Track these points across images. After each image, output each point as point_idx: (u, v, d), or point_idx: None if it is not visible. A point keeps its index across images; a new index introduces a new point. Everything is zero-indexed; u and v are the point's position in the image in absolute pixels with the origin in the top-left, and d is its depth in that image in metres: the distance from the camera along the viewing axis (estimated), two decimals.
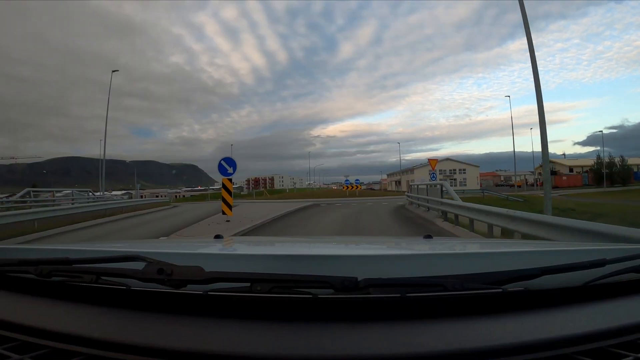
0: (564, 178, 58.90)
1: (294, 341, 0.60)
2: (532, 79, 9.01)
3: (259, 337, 0.61)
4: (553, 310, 0.68)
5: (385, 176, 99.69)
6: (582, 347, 0.58)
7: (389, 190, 73.36)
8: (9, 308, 0.76)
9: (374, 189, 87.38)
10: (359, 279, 0.66)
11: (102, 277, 0.75)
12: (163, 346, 0.59)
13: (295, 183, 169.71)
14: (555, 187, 46.80)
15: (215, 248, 1.34)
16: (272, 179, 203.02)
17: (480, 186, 73.67)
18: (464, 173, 74.03)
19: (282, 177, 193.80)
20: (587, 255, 0.83)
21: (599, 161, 58.39)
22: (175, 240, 3.26)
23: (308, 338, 0.60)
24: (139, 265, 0.73)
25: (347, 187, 45.93)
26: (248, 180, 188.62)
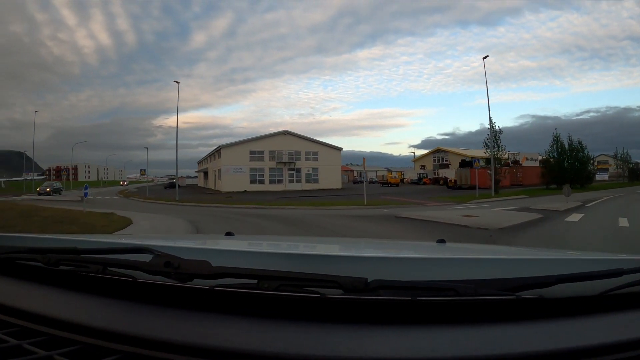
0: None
1: (299, 341, 0.58)
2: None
3: (263, 335, 0.60)
4: (568, 320, 0.66)
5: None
6: (598, 359, 0.56)
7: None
8: (15, 294, 0.76)
9: (178, 185, 52.11)
10: (369, 280, 0.65)
11: (109, 268, 0.75)
12: (166, 339, 0.58)
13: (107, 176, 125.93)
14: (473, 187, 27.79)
15: (224, 244, 1.34)
16: (75, 168, 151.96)
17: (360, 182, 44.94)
18: (316, 159, 41.58)
19: (89, 167, 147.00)
20: (604, 264, 0.83)
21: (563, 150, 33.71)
22: (183, 236, 3.61)
23: (314, 338, 0.59)
24: (146, 258, 0.73)
25: None
26: (49, 169, 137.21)
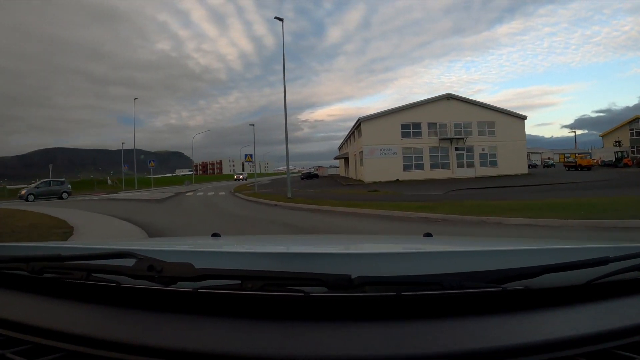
0: None
1: (284, 340, 0.58)
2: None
3: (249, 335, 0.60)
4: (554, 310, 0.66)
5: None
6: (585, 349, 0.56)
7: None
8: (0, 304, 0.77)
9: (317, 175, 49.56)
10: (353, 277, 0.64)
11: (93, 274, 0.75)
12: (149, 343, 0.58)
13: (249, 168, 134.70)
14: None
15: (207, 245, 1.32)
16: (220, 163, 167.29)
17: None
18: (492, 133, 29.50)
19: (234, 161, 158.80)
20: (590, 253, 0.82)
21: None
22: (168, 238, 3.45)
23: (299, 338, 0.59)
24: (130, 262, 0.73)
25: None
26: (196, 166, 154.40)
